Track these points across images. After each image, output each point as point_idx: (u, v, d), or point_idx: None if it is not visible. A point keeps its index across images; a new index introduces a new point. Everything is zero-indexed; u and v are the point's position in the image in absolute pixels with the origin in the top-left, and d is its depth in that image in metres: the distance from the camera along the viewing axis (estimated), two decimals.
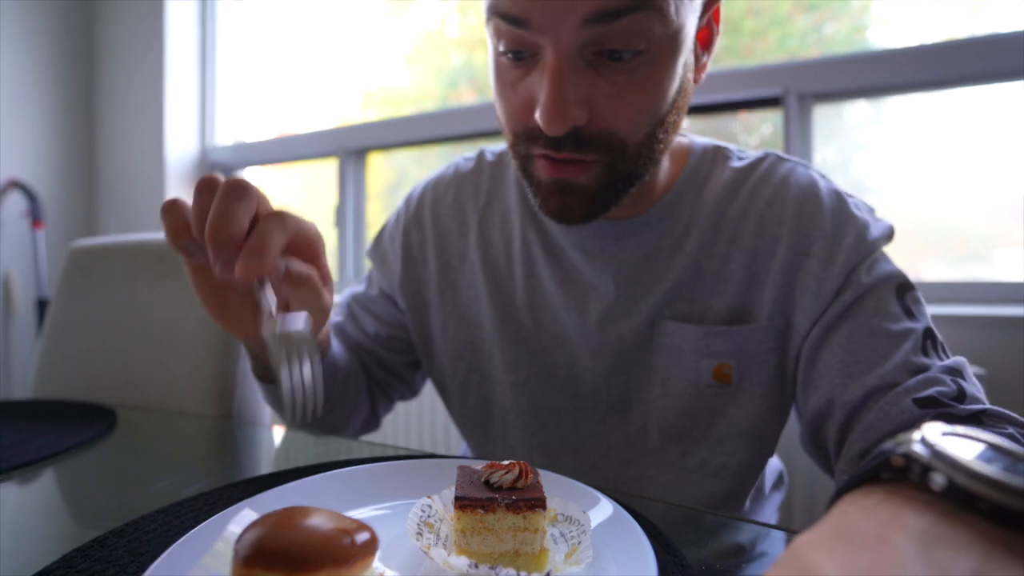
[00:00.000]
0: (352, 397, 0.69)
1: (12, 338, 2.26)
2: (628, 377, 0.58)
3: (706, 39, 0.53)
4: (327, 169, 2.19)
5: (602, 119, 0.47)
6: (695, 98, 1.48)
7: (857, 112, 1.46)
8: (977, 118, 1.30)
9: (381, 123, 2.03)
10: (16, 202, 2.24)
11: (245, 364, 0.88)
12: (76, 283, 1.01)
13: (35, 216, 2.22)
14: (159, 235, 1.03)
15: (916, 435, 0.19)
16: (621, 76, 0.46)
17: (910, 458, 0.18)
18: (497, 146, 0.71)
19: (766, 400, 0.55)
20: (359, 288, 0.76)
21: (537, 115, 0.46)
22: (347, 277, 2.10)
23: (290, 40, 2.30)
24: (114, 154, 2.41)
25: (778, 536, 0.44)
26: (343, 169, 2.09)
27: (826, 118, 1.45)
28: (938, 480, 0.17)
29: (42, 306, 2.24)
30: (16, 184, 2.21)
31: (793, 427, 0.60)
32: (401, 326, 0.72)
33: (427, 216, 0.69)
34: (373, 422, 0.76)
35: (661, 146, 0.51)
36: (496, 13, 0.46)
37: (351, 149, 2.08)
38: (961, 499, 0.16)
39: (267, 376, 0.56)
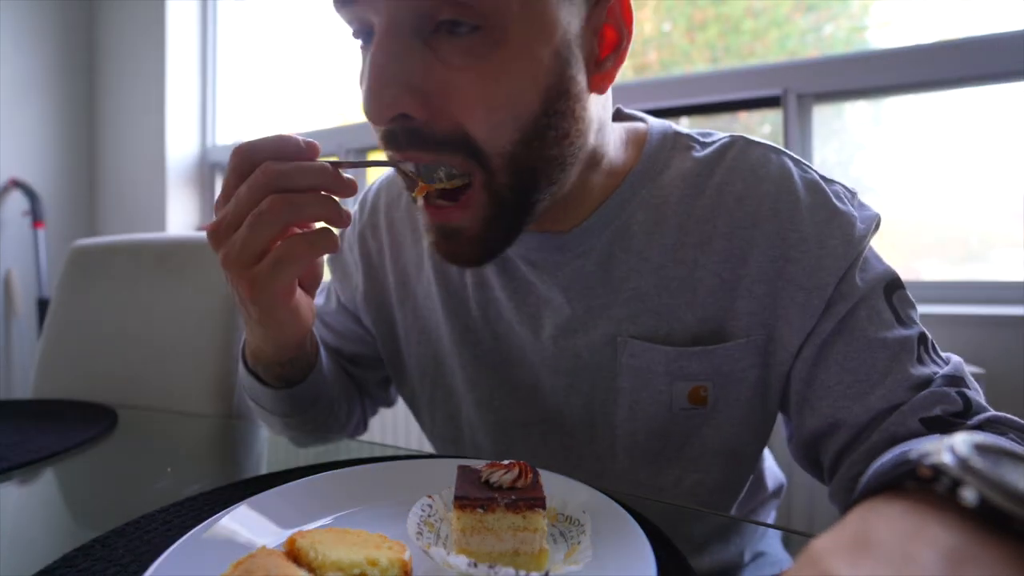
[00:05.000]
0: (341, 392, 0.66)
1: (12, 338, 2.26)
2: (589, 398, 0.54)
3: (613, 40, 0.45)
4: None
5: (446, 114, 0.40)
6: (694, 98, 1.50)
7: (857, 112, 1.46)
8: (976, 118, 1.31)
9: None
10: (17, 201, 2.24)
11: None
12: (76, 283, 1.01)
13: (36, 216, 2.22)
14: (160, 235, 1.03)
15: (945, 443, 0.18)
16: (457, 56, 0.39)
17: (939, 470, 0.17)
18: None
19: (742, 418, 0.52)
20: (318, 300, 0.71)
21: (362, 101, 0.40)
22: None
23: (290, 40, 2.30)
24: (115, 154, 2.41)
25: (776, 536, 0.44)
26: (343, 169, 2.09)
27: (826, 118, 1.45)
28: (969, 496, 0.16)
29: (42, 306, 2.24)
30: (17, 183, 2.21)
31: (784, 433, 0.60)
32: (363, 342, 0.68)
33: (382, 222, 0.64)
34: (361, 427, 0.74)
35: (545, 159, 0.43)
36: (335, 4, 0.42)
37: (351, 149, 2.08)
38: (993, 518, 0.15)
39: (284, 381, 0.55)
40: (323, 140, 2.17)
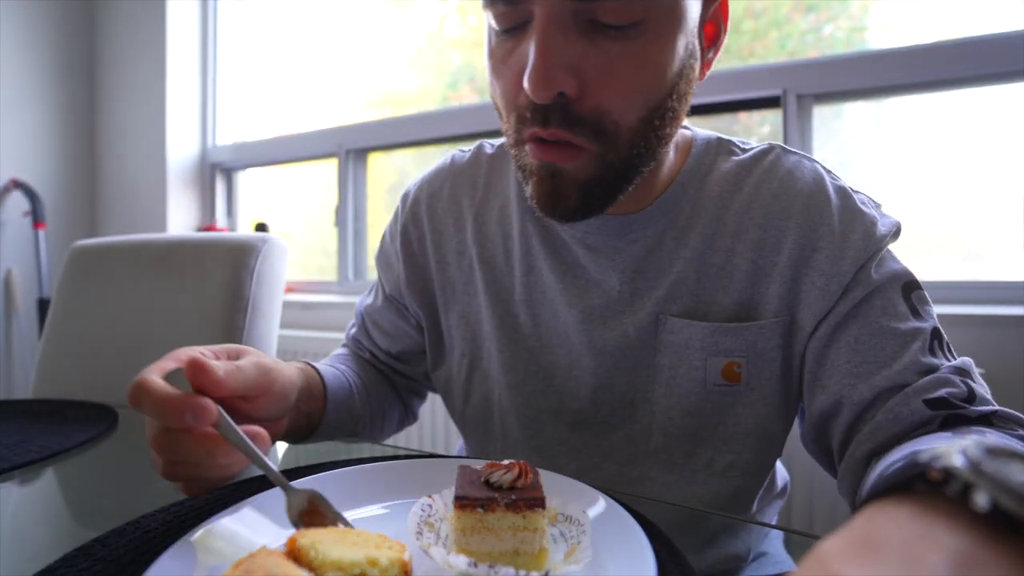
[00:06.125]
0: (378, 408, 0.70)
1: (13, 338, 2.26)
2: (632, 376, 0.57)
3: (712, 35, 0.52)
4: (327, 169, 2.19)
5: (594, 94, 0.45)
6: (694, 98, 1.49)
7: (856, 112, 1.46)
8: (976, 119, 1.31)
9: (381, 123, 2.04)
10: (17, 202, 2.24)
11: None
12: (77, 283, 1.01)
13: (36, 216, 2.23)
14: (160, 235, 1.03)
15: (956, 445, 0.18)
16: (615, 46, 0.44)
17: (949, 473, 0.17)
18: (497, 139, 0.68)
19: (774, 398, 0.54)
20: (368, 299, 0.75)
21: (524, 81, 0.44)
22: (347, 277, 2.10)
23: (290, 40, 2.30)
24: (115, 154, 2.41)
25: (777, 536, 0.44)
26: (343, 169, 2.09)
27: (825, 118, 1.45)
28: (981, 501, 0.16)
29: (43, 306, 2.24)
30: (17, 184, 2.21)
31: (794, 430, 0.60)
32: (409, 337, 0.71)
33: (423, 212, 0.67)
34: (410, 417, 0.78)
35: (658, 136, 0.49)
36: None
37: (351, 149, 2.08)
38: (1004, 522, 0.15)
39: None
40: (323, 140, 2.18)
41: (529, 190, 0.51)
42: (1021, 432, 0.43)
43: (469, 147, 0.69)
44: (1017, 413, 0.45)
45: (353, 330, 0.77)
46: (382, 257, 0.72)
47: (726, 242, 0.54)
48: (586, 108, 0.45)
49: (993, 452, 0.17)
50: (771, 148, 0.58)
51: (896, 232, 0.53)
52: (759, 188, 0.55)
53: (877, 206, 0.55)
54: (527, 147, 0.48)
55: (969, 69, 1.25)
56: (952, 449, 0.18)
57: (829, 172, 0.56)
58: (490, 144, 0.68)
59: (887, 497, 0.19)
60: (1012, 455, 0.17)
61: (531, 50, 0.43)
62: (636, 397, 0.57)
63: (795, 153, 0.57)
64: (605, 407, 0.58)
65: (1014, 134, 1.26)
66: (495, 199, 0.64)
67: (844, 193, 0.54)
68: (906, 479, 0.18)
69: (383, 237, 0.73)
